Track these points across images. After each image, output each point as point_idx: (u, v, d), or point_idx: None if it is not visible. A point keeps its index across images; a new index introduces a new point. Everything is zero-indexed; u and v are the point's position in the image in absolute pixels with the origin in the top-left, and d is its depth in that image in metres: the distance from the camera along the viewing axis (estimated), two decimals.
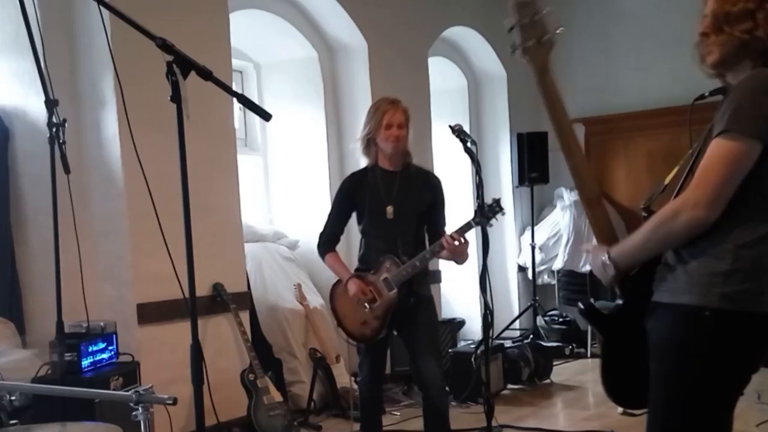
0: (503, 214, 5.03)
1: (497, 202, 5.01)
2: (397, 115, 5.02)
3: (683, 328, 2.45)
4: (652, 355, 2.53)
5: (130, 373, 5.23)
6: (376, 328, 4.91)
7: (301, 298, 6.92)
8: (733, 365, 2.44)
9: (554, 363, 8.06)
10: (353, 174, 5.15)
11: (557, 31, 2.28)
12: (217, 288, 6.08)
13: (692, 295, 2.43)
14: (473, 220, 4.89)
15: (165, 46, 2.74)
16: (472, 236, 9.32)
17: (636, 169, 9.73)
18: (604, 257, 2.48)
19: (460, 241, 4.77)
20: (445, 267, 9.02)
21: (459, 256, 4.87)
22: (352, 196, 5.04)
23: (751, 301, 2.39)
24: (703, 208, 2.34)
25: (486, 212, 4.93)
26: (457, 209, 9.70)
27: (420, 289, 4.97)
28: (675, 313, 2.47)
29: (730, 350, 2.42)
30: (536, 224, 10.05)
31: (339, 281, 5.06)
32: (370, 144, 5.01)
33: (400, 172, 5.02)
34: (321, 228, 5.11)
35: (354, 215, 5.09)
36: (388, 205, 4.92)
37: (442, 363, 5.04)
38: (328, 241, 5.07)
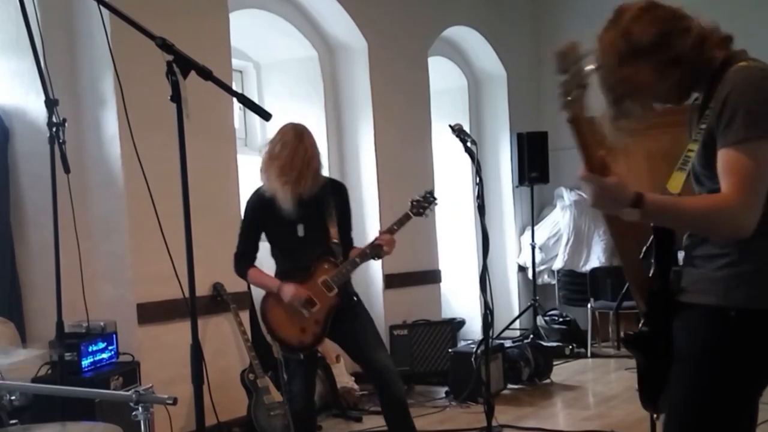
0: (436, 203, 4.98)
1: (430, 192, 5.00)
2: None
3: (709, 328, 2.46)
4: (676, 356, 2.53)
5: (130, 372, 5.23)
6: (318, 334, 4.80)
7: None
8: (757, 364, 2.45)
9: (554, 363, 8.05)
10: (256, 192, 4.96)
11: (588, 69, 2.26)
12: (217, 288, 6.08)
13: (717, 295, 2.44)
14: (410, 211, 4.89)
15: (165, 45, 2.74)
16: (473, 236, 9.34)
17: (635, 169, 9.72)
18: (633, 195, 2.33)
19: (392, 238, 4.80)
20: (446, 267, 9.04)
21: (388, 252, 4.85)
22: (258, 215, 4.88)
23: None
24: (753, 218, 2.32)
25: (422, 203, 4.92)
26: (458, 209, 9.73)
27: (350, 287, 4.95)
28: (700, 313, 2.47)
29: (755, 349, 2.42)
30: (536, 224, 10.05)
31: (267, 295, 4.88)
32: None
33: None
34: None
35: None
36: (297, 223, 4.79)
37: (388, 353, 4.95)
38: (247, 258, 4.90)
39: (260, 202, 4.85)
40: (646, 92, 2.52)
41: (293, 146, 4.79)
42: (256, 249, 4.95)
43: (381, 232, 4.86)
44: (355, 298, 4.93)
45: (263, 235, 4.94)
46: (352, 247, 4.97)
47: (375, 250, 4.80)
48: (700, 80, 2.52)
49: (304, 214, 4.76)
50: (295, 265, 4.83)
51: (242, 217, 5.02)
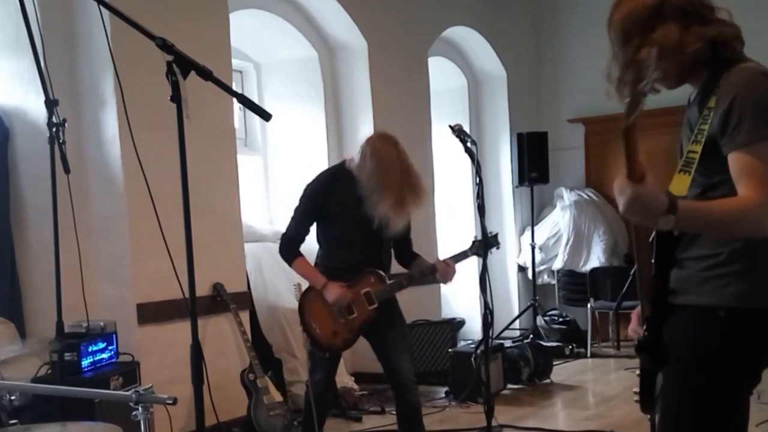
0: (498, 248, 5.08)
1: (495, 237, 5.07)
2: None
3: (699, 329, 2.47)
4: (667, 357, 2.53)
5: (129, 372, 5.23)
6: (348, 341, 4.82)
7: None
8: (748, 363, 2.46)
9: (554, 363, 8.06)
10: (323, 175, 4.94)
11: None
12: (217, 288, 6.08)
13: (706, 295, 2.45)
14: (470, 250, 4.94)
15: (165, 45, 2.74)
16: (472, 237, 9.34)
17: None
18: (667, 202, 2.31)
19: (453, 268, 4.82)
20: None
21: (447, 280, 4.88)
22: (321, 201, 4.81)
23: (763, 297, 2.40)
24: None
25: (483, 245, 4.98)
26: (457, 211, 9.72)
27: (394, 302, 4.93)
28: (691, 314, 2.48)
29: (745, 348, 2.43)
30: (536, 224, 10.06)
31: (309, 288, 4.86)
32: None
33: None
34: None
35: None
36: (366, 217, 4.70)
37: (413, 360, 4.97)
38: (295, 244, 4.84)
39: (335, 180, 4.82)
40: (670, 56, 2.47)
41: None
42: (305, 236, 4.88)
43: (439, 260, 4.87)
44: (389, 314, 4.89)
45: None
46: (412, 251, 4.99)
47: (425, 276, 4.83)
48: (704, 68, 2.51)
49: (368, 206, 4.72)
50: (343, 265, 4.79)
51: (301, 198, 4.89)
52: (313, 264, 4.91)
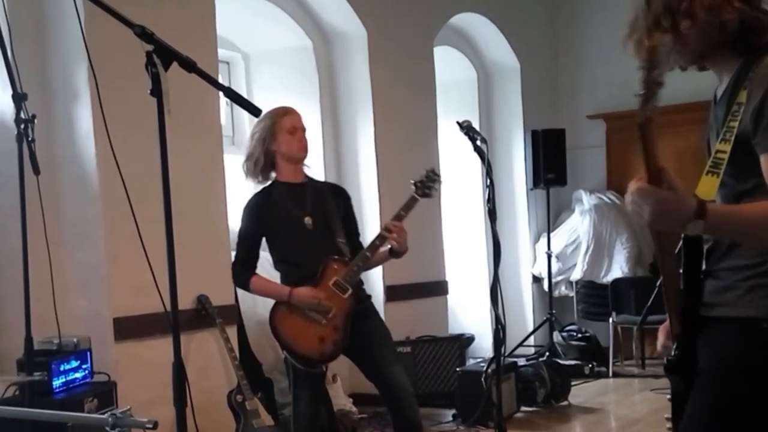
0: (440, 181, 5.08)
1: (432, 170, 5.09)
2: (298, 120, 5.07)
3: (740, 342, 2.47)
4: (700, 370, 2.53)
5: (105, 393, 5.22)
6: (339, 341, 4.83)
7: None
8: None
9: (572, 383, 8.05)
10: (257, 194, 5.12)
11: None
12: (202, 300, 6.07)
13: (747, 307, 2.45)
14: (415, 193, 4.97)
15: (144, 34, 2.74)
16: (483, 244, 9.35)
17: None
18: (695, 206, 2.30)
19: (400, 227, 4.87)
20: (453, 278, 9.04)
21: (401, 244, 4.91)
22: (260, 218, 5.01)
23: None
24: None
25: (426, 182, 5.00)
26: (466, 214, 9.73)
27: (362, 290, 5.04)
28: (729, 327, 2.48)
29: None
30: (552, 230, 10.05)
31: (276, 306, 4.93)
32: (266, 159, 5.00)
33: (308, 183, 5.10)
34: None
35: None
36: (303, 216, 4.93)
37: (404, 369, 5.00)
38: (247, 267, 5.00)
39: (267, 192, 5.02)
40: (705, 20, 2.45)
41: None
42: (257, 256, 5.04)
43: (387, 221, 4.93)
44: (366, 297, 5.02)
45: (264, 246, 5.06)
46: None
47: (383, 240, 4.86)
48: (728, 53, 2.50)
49: (310, 207, 4.93)
50: (305, 272, 4.88)
51: (241, 222, 5.11)
52: None
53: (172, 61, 2.77)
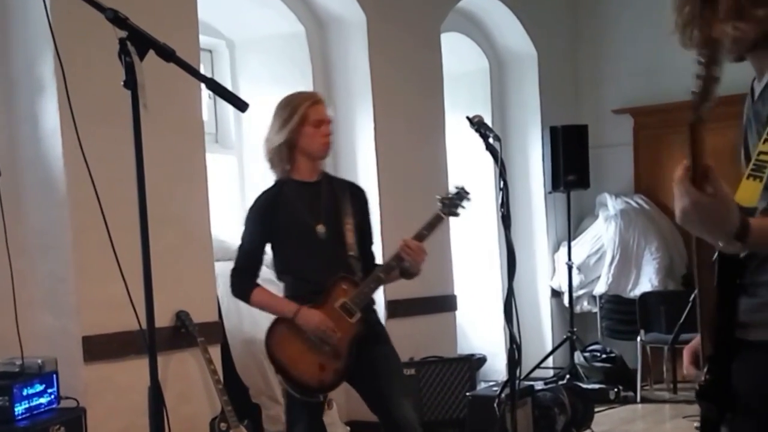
0: (469, 199, 5.06)
1: (461, 188, 5.08)
2: (325, 111, 5.01)
3: None
4: (736, 406, 2.52)
5: (74, 421, 5.22)
6: (340, 370, 4.81)
7: None
8: None
9: (596, 409, 8.05)
10: (265, 193, 5.09)
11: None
12: (182, 317, 6.07)
13: None
14: (441, 211, 4.96)
15: (117, 19, 2.75)
16: (496, 254, 9.36)
17: None
18: (738, 223, 2.28)
19: (419, 248, 4.86)
20: (462, 292, 9.04)
21: (416, 266, 4.92)
22: (268, 220, 4.98)
23: None
24: None
25: (454, 200, 5.00)
26: (477, 221, 9.73)
27: (374, 314, 5.03)
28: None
29: None
30: (574, 239, 10.06)
31: (276, 323, 4.90)
32: (289, 151, 4.95)
33: (323, 181, 5.07)
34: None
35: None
36: (317, 223, 4.90)
37: (413, 403, 4.99)
38: (249, 276, 4.98)
39: (275, 193, 4.98)
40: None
41: None
42: (260, 264, 5.02)
43: (406, 239, 4.90)
44: (376, 325, 4.99)
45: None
46: (375, 263, 5.06)
47: (400, 262, 4.85)
48: None
49: (324, 213, 4.90)
50: (311, 287, 4.86)
51: (245, 223, 5.08)
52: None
53: (149, 49, 2.78)
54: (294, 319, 4.79)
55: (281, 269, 5.04)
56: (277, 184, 5.05)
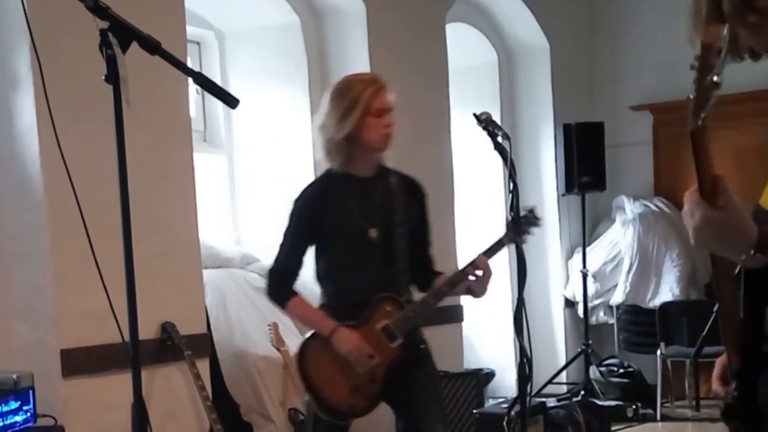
0: (540, 225, 5.03)
1: (532, 212, 5.05)
2: (386, 97, 4.84)
3: None
4: (761, 414, 2.53)
5: None
6: (374, 396, 4.80)
7: (278, 342, 6.91)
8: None
9: (612, 428, 8.05)
10: (313, 185, 5.01)
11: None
12: (167, 329, 6.07)
13: None
14: (505, 236, 4.90)
15: (98, 8, 2.75)
16: (505, 261, 9.36)
17: (719, 170, 9.65)
18: (755, 236, 2.28)
19: (489, 269, 4.78)
20: (468, 302, 9.03)
21: (482, 288, 4.87)
22: (315, 217, 4.84)
23: None
24: None
25: (521, 225, 4.93)
26: (485, 225, 9.72)
27: (418, 333, 4.95)
28: None
29: None
30: (589, 245, 10.06)
31: (312, 338, 4.82)
32: (345, 145, 4.79)
33: (377, 178, 4.96)
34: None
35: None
36: (370, 227, 4.80)
37: (448, 429, 4.98)
38: (288, 280, 4.86)
39: (325, 186, 4.89)
40: None
41: None
42: (300, 266, 4.90)
43: (466, 266, 4.86)
44: (422, 346, 4.93)
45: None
46: (433, 271, 5.00)
47: (451, 288, 4.82)
48: None
49: (379, 215, 4.81)
50: (354, 299, 4.79)
51: (289, 216, 4.94)
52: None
53: (132, 41, 2.78)
54: (330, 338, 4.71)
55: (323, 275, 4.91)
56: (328, 176, 4.92)
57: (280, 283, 4.86)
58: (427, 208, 5.08)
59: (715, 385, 2.69)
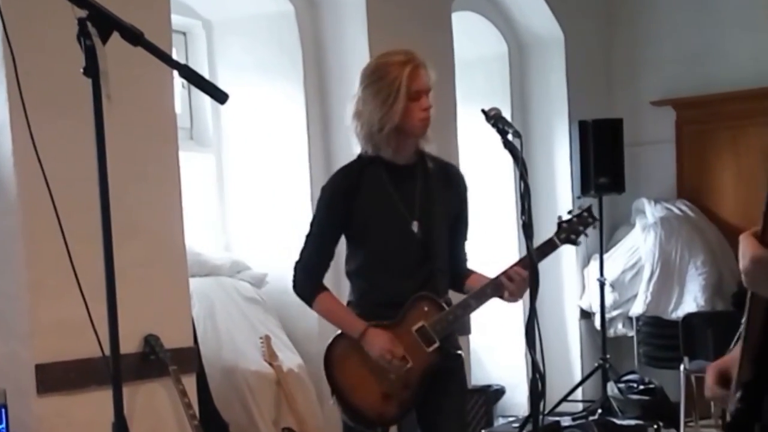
0: (595, 227, 5.03)
1: (588, 211, 5.02)
2: (423, 77, 4.81)
3: None
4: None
5: None
6: (406, 403, 4.79)
7: (271, 357, 6.91)
8: None
9: None
10: (345, 170, 4.98)
11: None
12: (151, 342, 6.07)
13: None
14: (557, 237, 4.90)
15: None
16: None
17: (747, 170, 9.64)
18: None
19: (524, 276, 4.73)
20: (477, 313, 9.03)
21: (521, 292, 4.84)
22: (347, 206, 4.82)
23: None
24: None
25: (575, 225, 4.92)
26: (495, 229, 9.73)
27: (454, 339, 4.94)
28: None
29: None
30: (606, 251, 10.06)
31: (339, 338, 4.84)
32: (386, 132, 4.74)
33: (416, 165, 4.91)
34: (297, 256, 4.97)
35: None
36: (413, 219, 4.79)
37: None
38: (316, 274, 4.85)
39: (358, 173, 4.86)
40: None
41: None
42: (330, 259, 4.91)
43: (513, 265, 4.83)
44: (459, 352, 4.94)
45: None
46: (467, 269, 5.03)
47: (497, 291, 4.79)
48: None
49: (420, 207, 4.78)
50: (388, 298, 4.78)
51: (317, 205, 4.96)
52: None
53: (113, 31, 2.78)
54: (359, 340, 4.71)
55: (355, 269, 4.91)
56: (362, 161, 4.90)
57: (306, 277, 4.85)
58: (467, 199, 5.07)
59: (714, 391, 2.69)
